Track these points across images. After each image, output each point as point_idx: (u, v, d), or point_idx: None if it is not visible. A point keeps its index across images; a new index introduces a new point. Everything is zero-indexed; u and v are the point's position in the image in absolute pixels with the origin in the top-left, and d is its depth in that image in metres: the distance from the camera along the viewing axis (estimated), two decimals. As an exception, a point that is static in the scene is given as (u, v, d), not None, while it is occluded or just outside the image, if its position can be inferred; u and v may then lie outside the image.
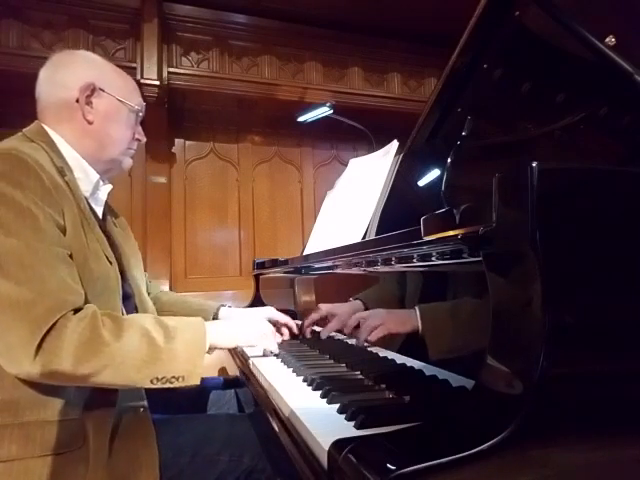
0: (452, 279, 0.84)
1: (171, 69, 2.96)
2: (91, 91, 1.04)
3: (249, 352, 1.29)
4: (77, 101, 1.03)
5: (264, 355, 1.19)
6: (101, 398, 0.90)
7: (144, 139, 1.17)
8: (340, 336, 1.31)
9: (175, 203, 3.23)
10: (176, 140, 3.28)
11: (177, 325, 0.93)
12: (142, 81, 2.75)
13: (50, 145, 0.99)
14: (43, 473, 0.82)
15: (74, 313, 0.82)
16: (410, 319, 0.94)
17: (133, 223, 2.93)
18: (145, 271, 1.29)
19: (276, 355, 1.17)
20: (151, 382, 0.86)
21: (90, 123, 1.04)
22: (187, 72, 3.02)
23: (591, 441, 0.52)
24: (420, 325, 0.93)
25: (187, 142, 3.33)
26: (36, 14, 2.69)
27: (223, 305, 1.39)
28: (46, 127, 1.03)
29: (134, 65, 2.83)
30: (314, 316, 1.35)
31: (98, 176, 1.08)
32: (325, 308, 1.33)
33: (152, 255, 2.95)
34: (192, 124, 3.32)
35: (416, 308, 0.94)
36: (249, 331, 1.13)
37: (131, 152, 1.15)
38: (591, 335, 0.52)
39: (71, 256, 0.89)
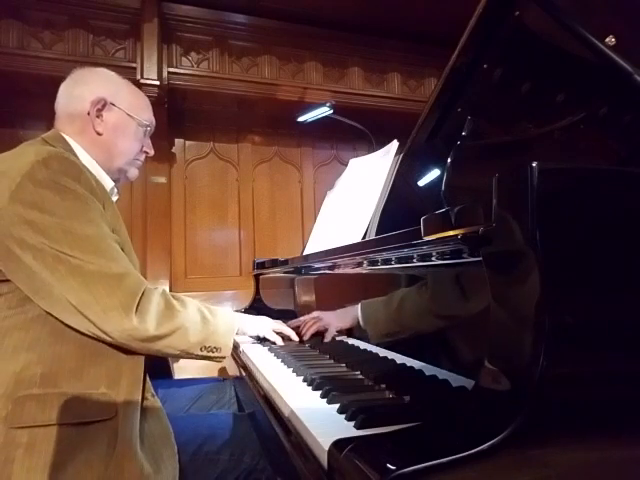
0: (457, 283, 0.84)
1: (171, 69, 2.96)
2: (102, 105, 1.12)
3: (249, 352, 1.29)
4: (89, 114, 1.11)
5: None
6: (128, 375, 0.98)
7: (152, 152, 1.25)
8: (340, 336, 1.31)
9: (175, 203, 3.23)
10: (176, 140, 3.28)
11: (215, 308, 1.12)
12: (142, 81, 2.75)
13: (70, 152, 1.06)
14: (78, 439, 0.89)
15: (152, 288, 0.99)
16: (353, 315, 1.14)
17: (133, 223, 2.93)
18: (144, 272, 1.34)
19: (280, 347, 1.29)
20: (200, 349, 1.04)
21: (99, 134, 1.13)
22: (187, 72, 3.01)
23: (591, 441, 0.52)
24: (360, 319, 1.11)
25: (187, 142, 3.33)
26: (36, 14, 2.68)
27: None
28: (63, 134, 1.10)
29: (134, 65, 2.83)
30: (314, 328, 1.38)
31: (113, 183, 1.17)
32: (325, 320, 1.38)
33: (152, 255, 2.95)
34: (192, 124, 3.32)
35: (359, 304, 1.12)
36: (265, 324, 1.32)
37: (138, 163, 1.23)
38: (591, 335, 0.53)
39: None
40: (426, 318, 0.90)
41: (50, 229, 0.90)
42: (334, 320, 1.30)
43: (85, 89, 1.12)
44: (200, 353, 1.04)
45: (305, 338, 1.33)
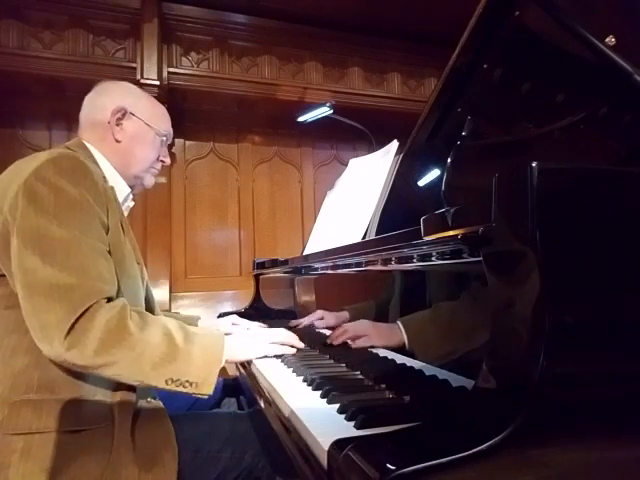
0: (457, 284, 0.84)
1: (171, 69, 2.96)
2: (122, 114, 1.16)
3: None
4: (109, 122, 1.16)
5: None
6: (124, 384, 0.95)
7: (168, 161, 1.30)
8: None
9: (175, 203, 3.23)
10: (176, 140, 3.28)
11: (198, 332, 0.99)
12: (142, 81, 2.74)
13: (91, 158, 1.11)
14: (74, 445, 0.89)
15: (107, 302, 0.89)
16: (395, 334, 0.96)
17: (133, 223, 2.91)
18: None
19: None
20: (166, 382, 0.89)
21: (118, 142, 1.16)
22: (187, 72, 3.01)
23: (591, 441, 0.52)
24: (406, 339, 0.94)
25: (187, 142, 3.33)
26: (36, 14, 2.68)
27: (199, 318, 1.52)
28: (85, 142, 1.14)
29: (134, 65, 2.83)
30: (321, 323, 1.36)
31: (129, 189, 1.20)
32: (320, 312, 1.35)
33: (152, 255, 2.95)
34: (192, 124, 3.32)
35: (398, 322, 0.96)
36: (259, 341, 1.16)
37: (154, 171, 1.28)
38: (591, 335, 0.53)
39: (109, 253, 0.97)
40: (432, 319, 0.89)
41: (28, 226, 0.88)
42: (374, 335, 1.09)
43: (107, 99, 1.18)
44: (168, 387, 0.89)
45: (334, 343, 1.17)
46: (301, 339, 1.23)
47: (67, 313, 0.83)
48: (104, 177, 1.08)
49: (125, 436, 0.92)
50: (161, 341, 0.89)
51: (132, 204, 1.25)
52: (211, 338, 0.98)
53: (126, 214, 1.21)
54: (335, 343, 1.16)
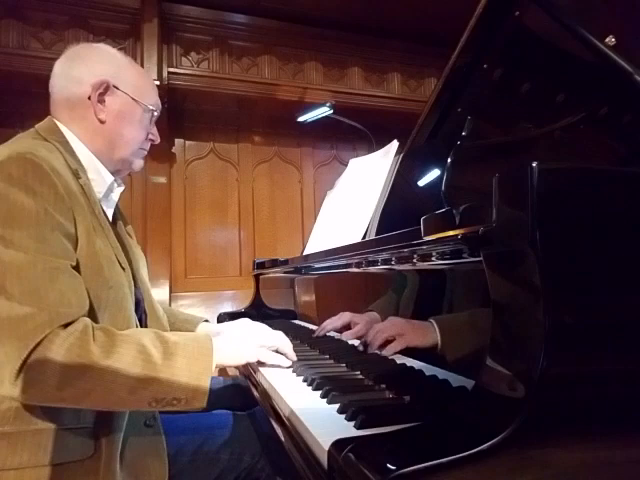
0: (458, 284, 0.84)
1: (171, 69, 2.96)
2: (104, 89, 1.00)
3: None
4: (89, 98, 0.99)
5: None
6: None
7: (158, 140, 1.13)
8: (340, 336, 1.31)
9: (175, 203, 3.23)
10: (176, 140, 3.28)
11: (179, 340, 0.85)
12: (142, 81, 2.75)
13: (64, 145, 0.96)
14: None
15: (65, 327, 0.76)
16: (429, 333, 0.87)
17: (133, 223, 2.91)
18: None
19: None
20: (149, 404, 0.80)
21: (102, 122, 1.00)
22: (187, 72, 3.01)
23: (591, 441, 0.52)
24: (439, 339, 0.86)
25: (187, 142, 3.33)
26: (36, 14, 2.69)
27: (207, 320, 1.35)
28: (59, 124, 0.99)
29: (134, 65, 2.83)
30: (336, 324, 1.30)
31: (112, 178, 1.05)
32: (348, 316, 1.29)
33: (152, 255, 2.95)
34: (192, 124, 3.32)
35: (432, 321, 0.87)
36: (248, 345, 1.00)
37: (143, 153, 1.11)
38: (591, 335, 0.53)
39: (77, 267, 0.84)
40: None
41: None
42: (410, 333, 0.97)
43: (84, 70, 1.00)
44: (153, 408, 0.81)
45: (370, 350, 1.03)
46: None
47: (17, 349, 0.72)
48: (77, 169, 0.93)
49: (112, 469, 0.84)
50: (134, 361, 0.78)
51: (122, 189, 1.09)
52: (196, 345, 0.86)
53: (112, 207, 1.07)
54: (373, 350, 1.01)
